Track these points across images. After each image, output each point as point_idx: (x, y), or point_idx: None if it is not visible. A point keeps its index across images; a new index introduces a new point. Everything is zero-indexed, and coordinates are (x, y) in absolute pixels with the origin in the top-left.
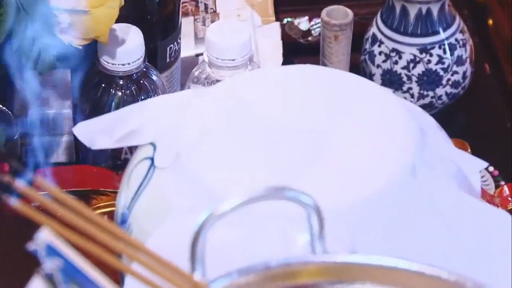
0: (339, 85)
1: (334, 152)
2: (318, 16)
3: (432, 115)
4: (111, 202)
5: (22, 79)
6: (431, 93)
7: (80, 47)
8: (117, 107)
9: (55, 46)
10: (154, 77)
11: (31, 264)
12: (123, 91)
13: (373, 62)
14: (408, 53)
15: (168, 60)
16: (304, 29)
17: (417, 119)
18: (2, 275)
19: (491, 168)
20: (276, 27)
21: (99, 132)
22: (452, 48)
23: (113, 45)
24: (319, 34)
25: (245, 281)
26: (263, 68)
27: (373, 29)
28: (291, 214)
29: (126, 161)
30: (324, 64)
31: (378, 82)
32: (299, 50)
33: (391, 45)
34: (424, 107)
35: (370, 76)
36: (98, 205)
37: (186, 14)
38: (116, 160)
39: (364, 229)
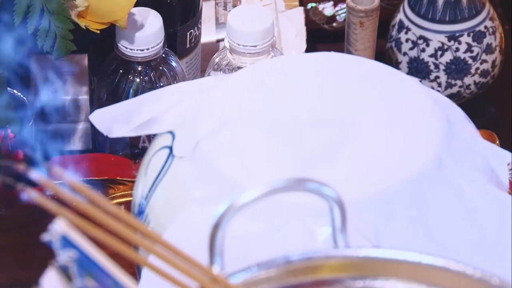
0: (364, 73)
1: (358, 142)
2: (343, 1)
3: (459, 105)
4: (128, 192)
5: (37, 64)
6: (459, 82)
7: (98, 32)
8: (135, 94)
9: (72, 30)
10: (174, 63)
11: (46, 255)
12: (141, 77)
13: (399, 49)
14: (436, 40)
15: (188, 45)
16: (329, 15)
17: (444, 109)
18: (17, 267)
19: None
20: (299, 12)
21: (116, 120)
22: (481, 35)
23: (132, 30)
24: (344, 20)
25: (266, 275)
26: (285, 55)
27: (400, 16)
28: (312, 207)
29: (144, 150)
30: (349, 51)
31: (404, 70)
32: (323, 36)
33: (418, 32)
34: (451, 96)
35: (396, 64)
36: (114, 194)
37: None
38: (134, 149)
39: (388, 222)
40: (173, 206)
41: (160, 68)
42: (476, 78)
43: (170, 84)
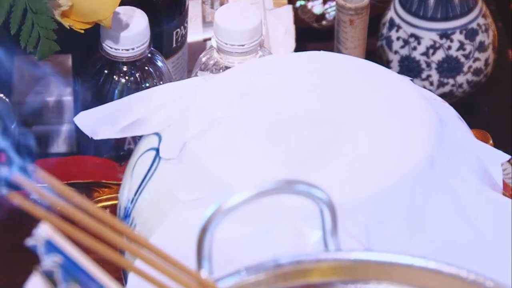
0: (355, 72)
1: (348, 143)
2: None
3: (452, 104)
4: (114, 195)
5: (20, 65)
6: (451, 81)
7: (82, 31)
8: (120, 95)
9: (56, 30)
10: (160, 63)
11: (30, 260)
12: (127, 78)
13: (390, 48)
14: (428, 38)
15: (174, 45)
16: (318, 13)
17: (436, 109)
18: (0, 272)
19: None
20: (288, 10)
21: (101, 122)
22: (474, 33)
23: (117, 29)
24: (334, 18)
25: (255, 279)
26: (274, 54)
27: (391, 13)
28: (302, 209)
29: (129, 152)
30: (339, 50)
31: (395, 69)
32: (312, 35)
33: (410, 30)
34: (443, 95)
35: (387, 63)
36: (100, 198)
37: None
38: (119, 151)
39: (380, 224)
40: (160, 209)
41: (146, 68)
42: (469, 76)
43: (156, 84)
